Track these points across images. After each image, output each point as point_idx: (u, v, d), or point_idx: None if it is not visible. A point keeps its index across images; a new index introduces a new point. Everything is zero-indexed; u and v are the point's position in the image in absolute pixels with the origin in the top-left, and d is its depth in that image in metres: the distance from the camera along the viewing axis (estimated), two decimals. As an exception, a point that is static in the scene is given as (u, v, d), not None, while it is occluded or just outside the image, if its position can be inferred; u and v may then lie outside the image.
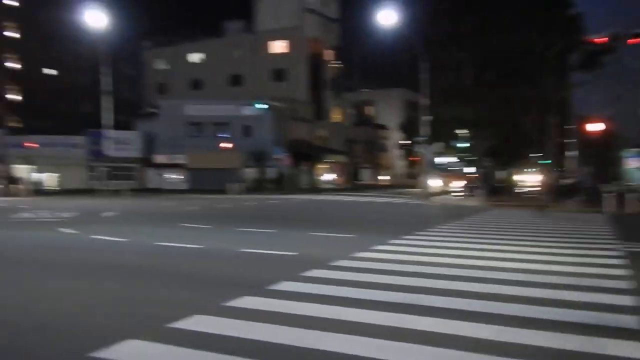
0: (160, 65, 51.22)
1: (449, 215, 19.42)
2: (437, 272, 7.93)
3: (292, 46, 47.03)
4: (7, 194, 37.67)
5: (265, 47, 47.54)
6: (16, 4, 50.50)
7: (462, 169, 39.99)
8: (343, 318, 5.52)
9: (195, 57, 50.37)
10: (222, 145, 40.25)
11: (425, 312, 5.74)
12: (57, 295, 6.84)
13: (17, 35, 50.69)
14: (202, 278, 7.82)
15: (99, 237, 12.41)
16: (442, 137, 35.39)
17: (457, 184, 36.35)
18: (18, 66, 51.09)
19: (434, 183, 34.76)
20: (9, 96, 51.02)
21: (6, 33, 50.30)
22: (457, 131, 37.53)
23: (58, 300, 6.60)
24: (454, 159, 40.54)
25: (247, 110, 40.83)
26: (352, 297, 6.41)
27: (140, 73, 52.35)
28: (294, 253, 9.86)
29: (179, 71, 50.21)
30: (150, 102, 46.59)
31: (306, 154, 42.56)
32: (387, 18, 26.75)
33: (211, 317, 5.61)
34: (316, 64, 47.45)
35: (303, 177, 43.65)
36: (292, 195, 34.36)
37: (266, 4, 48.69)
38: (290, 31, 46.47)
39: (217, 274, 8.11)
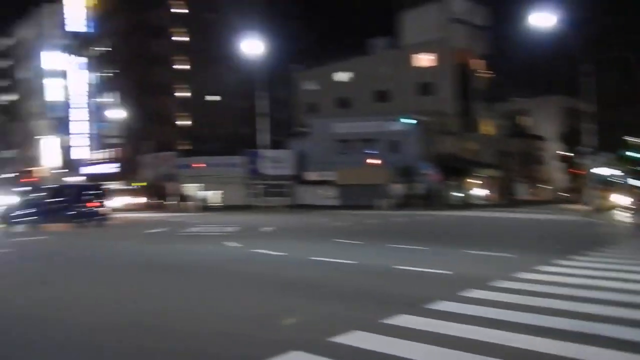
0: (310, 86, 53.48)
1: (622, 234, 17.45)
2: (614, 299, 7.12)
3: (438, 58, 46.24)
4: (178, 210, 41.94)
5: (410, 62, 47.35)
6: (187, 39, 56.49)
7: (631, 182, 35.74)
8: (506, 343, 5.21)
9: (342, 76, 51.82)
10: (370, 161, 40.71)
11: (600, 343, 5.16)
12: (223, 305, 7.37)
13: (187, 67, 56.59)
14: (358, 293, 7.91)
15: (260, 250, 13.19)
16: (609, 146, 32.06)
17: (628, 199, 32.54)
18: (188, 95, 56.91)
19: (601, 198, 31.53)
20: (180, 122, 57.00)
21: (179, 66, 56.44)
22: (628, 138, 33.72)
23: (225, 309, 7.11)
24: (621, 171, 36.40)
25: (393, 126, 40.90)
26: (515, 321, 6.02)
27: (292, 94, 55.19)
28: (450, 272, 9.55)
29: (327, 90, 51.97)
30: (301, 122, 48.80)
31: (455, 169, 41.30)
32: (541, 20, 25.05)
33: (370, 333, 5.63)
34: (464, 74, 46.07)
35: (452, 192, 42.39)
36: (441, 211, 33.52)
37: (411, 19, 48.59)
38: (436, 43, 45.78)
39: (373, 290, 8.13)
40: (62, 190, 26.03)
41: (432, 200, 38.60)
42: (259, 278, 9.48)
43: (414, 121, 40.05)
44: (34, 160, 71.12)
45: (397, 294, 7.79)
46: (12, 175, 70.11)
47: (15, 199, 26.07)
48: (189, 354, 5.27)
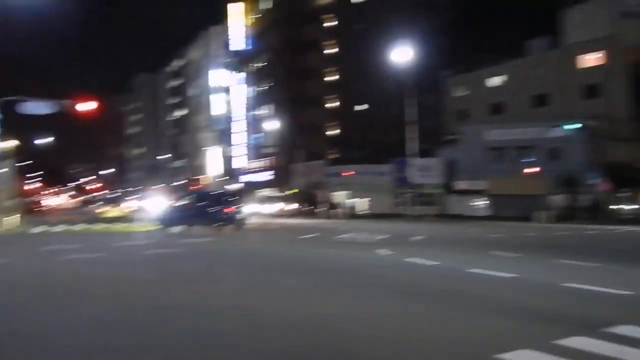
0: (460, 92, 51.87)
1: None
2: None
3: (607, 57, 41.92)
4: (328, 216, 43.12)
5: (574, 62, 43.56)
6: (337, 50, 58.29)
7: None
8: None
9: (495, 81, 49.47)
10: (526, 170, 38.15)
11: None
12: (382, 314, 7.24)
13: (337, 77, 58.31)
14: (523, 310, 7.29)
15: (412, 260, 12.90)
16: None
17: None
18: (337, 104, 58.58)
19: None
20: (330, 132, 58.81)
21: (329, 77, 58.42)
22: None
23: (385, 318, 6.98)
24: None
25: (553, 132, 37.89)
26: None
27: (441, 101, 54.01)
28: (631, 292, 8.43)
29: (479, 96, 49.94)
30: (451, 129, 47.46)
31: (629, 179, 36.94)
32: None
33: (541, 353, 5.17)
34: (639, 74, 41.21)
35: (624, 205, 37.97)
36: (611, 225, 30.18)
37: (575, 16, 44.79)
38: (604, 41, 41.57)
39: (540, 308, 7.46)
40: (205, 196, 29.04)
41: (599, 213, 34.94)
42: (414, 288, 9.24)
43: (578, 126, 36.69)
44: (200, 169, 78.41)
45: (568, 314, 7.04)
46: (182, 182, 77.93)
47: (172, 204, 29.75)
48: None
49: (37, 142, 57.23)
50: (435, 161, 43.16)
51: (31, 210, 49.75)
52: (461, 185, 41.59)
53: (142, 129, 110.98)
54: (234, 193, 31.76)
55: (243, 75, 66.92)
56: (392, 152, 44.56)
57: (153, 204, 45.96)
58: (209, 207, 26.46)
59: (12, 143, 38.92)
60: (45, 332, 6.34)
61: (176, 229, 25.16)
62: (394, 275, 10.73)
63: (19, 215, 32.99)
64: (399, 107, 44.31)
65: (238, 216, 27.17)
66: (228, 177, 66.80)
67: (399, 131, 44.46)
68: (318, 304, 7.82)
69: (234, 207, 27.36)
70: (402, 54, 38.79)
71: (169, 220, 26.35)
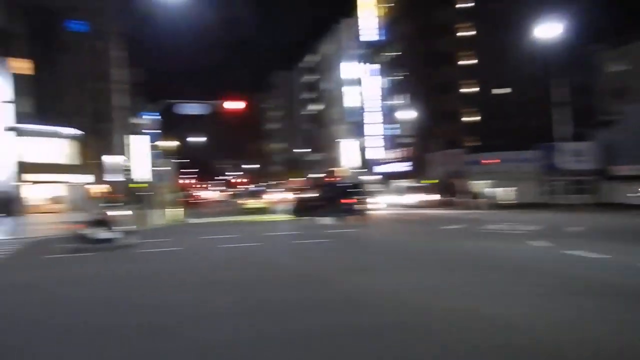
0: (617, 67, 46.81)
1: None
2: None
3: None
4: (468, 207, 41.58)
5: None
6: (472, 33, 55.73)
7: None
8: None
9: (659, 52, 43.85)
10: None
11: None
12: (548, 316, 6.75)
13: (474, 61, 55.75)
14: None
15: (573, 252, 11.89)
16: None
17: None
18: (475, 89, 56.05)
19: None
20: (467, 119, 56.51)
21: (465, 62, 56.11)
22: None
23: (555, 321, 6.49)
24: None
25: None
26: None
27: (593, 79, 49.24)
28: None
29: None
30: (607, 109, 43.07)
31: None
32: None
33: None
34: None
35: None
36: None
37: None
38: None
39: None
40: (332, 188, 30.37)
41: None
42: (581, 285, 8.49)
43: None
44: (336, 161, 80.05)
45: None
46: (319, 175, 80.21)
47: (303, 196, 32.25)
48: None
49: (190, 139, 62.47)
50: (589, 145, 39.47)
51: (187, 204, 54.50)
52: (622, 170, 37.58)
53: (281, 124, 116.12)
54: (359, 184, 32.35)
55: (376, 66, 66.81)
56: (536, 137, 41.61)
57: (290, 196, 48.21)
58: (335, 199, 27.68)
59: (174, 143, 43.00)
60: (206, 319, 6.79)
61: (305, 220, 27.00)
62: (557, 270, 9.94)
63: (182, 207, 36.39)
64: (544, 88, 41.25)
65: (360, 207, 27.88)
66: (364, 169, 67.32)
67: (543, 114, 41.43)
68: (479, 300, 7.49)
69: (355, 198, 28.12)
70: (547, 31, 35.91)
71: (299, 211, 28.63)
